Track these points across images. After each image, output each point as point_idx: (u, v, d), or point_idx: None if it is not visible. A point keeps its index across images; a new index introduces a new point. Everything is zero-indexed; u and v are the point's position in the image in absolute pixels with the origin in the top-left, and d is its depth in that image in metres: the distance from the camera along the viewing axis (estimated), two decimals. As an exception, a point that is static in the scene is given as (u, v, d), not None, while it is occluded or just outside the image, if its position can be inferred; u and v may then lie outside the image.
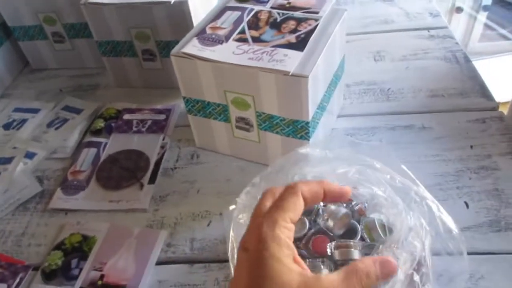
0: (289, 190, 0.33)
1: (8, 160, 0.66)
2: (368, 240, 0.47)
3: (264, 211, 0.33)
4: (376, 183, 0.44)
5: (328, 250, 0.44)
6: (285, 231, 0.31)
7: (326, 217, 0.47)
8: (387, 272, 0.33)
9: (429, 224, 0.41)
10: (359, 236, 0.48)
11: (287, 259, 0.30)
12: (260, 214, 0.33)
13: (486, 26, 1.95)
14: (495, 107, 0.68)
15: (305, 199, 0.33)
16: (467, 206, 0.55)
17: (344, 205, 0.51)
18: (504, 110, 0.68)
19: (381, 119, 0.68)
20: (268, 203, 0.34)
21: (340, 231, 0.47)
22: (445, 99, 0.70)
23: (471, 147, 0.62)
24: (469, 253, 0.50)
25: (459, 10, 1.90)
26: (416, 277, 0.39)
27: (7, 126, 0.74)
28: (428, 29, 0.87)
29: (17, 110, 0.78)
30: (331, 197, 0.35)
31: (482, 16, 1.92)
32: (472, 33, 1.93)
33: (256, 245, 0.30)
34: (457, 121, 0.66)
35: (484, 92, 0.71)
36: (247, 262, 0.30)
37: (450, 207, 0.54)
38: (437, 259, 0.41)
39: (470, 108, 0.68)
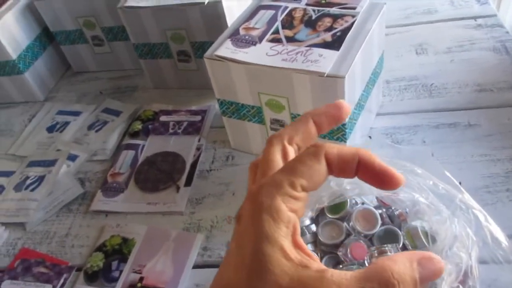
0: (310, 150, 0.24)
1: (52, 163, 0.69)
2: (410, 248, 0.45)
3: (271, 168, 0.25)
4: (417, 189, 0.42)
5: (366, 261, 0.43)
6: (290, 201, 0.23)
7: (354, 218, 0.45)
8: (431, 274, 0.23)
9: (476, 234, 0.38)
10: (401, 243, 0.46)
11: (282, 241, 0.22)
12: (265, 172, 0.25)
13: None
14: (550, 101, 0.63)
15: (330, 167, 0.24)
16: (519, 210, 0.51)
17: (384, 209, 0.49)
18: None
19: (424, 116, 0.65)
20: (278, 156, 0.26)
21: (369, 231, 0.45)
22: (494, 94, 0.66)
23: (523, 145, 0.58)
24: (520, 262, 0.47)
25: (509, -7, 1.79)
26: (462, 291, 0.36)
27: (51, 129, 0.77)
28: (475, 18, 0.82)
29: (60, 113, 0.81)
30: (368, 174, 0.24)
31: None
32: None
33: (248, 216, 0.23)
34: (507, 118, 0.62)
35: (538, 85, 0.66)
36: (237, 237, 0.23)
37: (499, 211, 0.52)
38: (484, 269, 0.38)
39: (522, 103, 0.64)
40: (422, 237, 0.44)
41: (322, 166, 0.24)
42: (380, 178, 0.24)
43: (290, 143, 0.26)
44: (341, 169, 0.24)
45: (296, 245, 0.23)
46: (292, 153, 0.26)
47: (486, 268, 0.38)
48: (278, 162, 0.26)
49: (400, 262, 0.22)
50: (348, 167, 0.24)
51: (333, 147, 0.24)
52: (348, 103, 0.28)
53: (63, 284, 0.54)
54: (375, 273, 0.21)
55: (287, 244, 0.22)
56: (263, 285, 0.21)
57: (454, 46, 0.76)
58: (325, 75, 0.48)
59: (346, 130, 0.53)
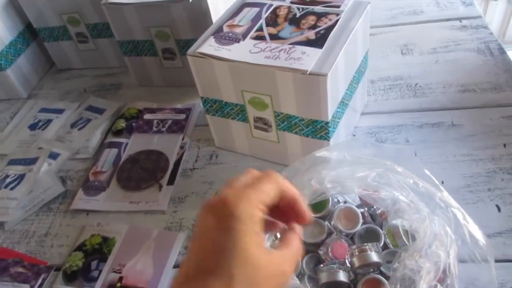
0: (268, 175, 0.32)
1: (33, 161, 0.67)
2: (391, 246, 0.45)
3: (240, 185, 0.32)
4: (398, 188, 0.42)
5: (347, 260, 0.43)
6: (259, 213, 0.30)
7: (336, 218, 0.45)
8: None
9: (455, 232, 0.38)
10: (382, 242, 0.46)
11: (258, 237, 0.29)
12: (236, 186, 0.31)
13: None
14: (532, 102, 0.64)
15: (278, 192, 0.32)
16: (499, 209, 0.52)
17: (366, 208, 0.49)
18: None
19: (408, 116, 0.65)
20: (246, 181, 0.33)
21: (351, 230, 0.45)
22: (477, 94, 0.67)
23: (505, 145, 0.58)
24: (500, 261, 0.47)
25: (496, -4, 1.81)
26: (441, 289, 0.36)
27: (33, 127, 0.76)
28: (460, 19, 0.82)
29: (43, 110, 0.79)
30: (286, 208, 0.34)
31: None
32: (511, 20, 1.83)
33: (227, 216, 0.29)
34: (489, 118, 0.62)
35: (520, 86, 0.67)
36: (215, 228, 0.29)
37: (480, 210, 0.52)
38: (463, 268, 0.38)
39: (504, 103, 0.64)
40: (403, 235, 0.44)
41: (276, 190, 0.32)
42: (294, 216, 0.34)
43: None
44: (277, 197, 0.32)
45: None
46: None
47: (466, 268, 0.38)
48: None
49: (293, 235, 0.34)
50: (281, 197, 0.33)
51: (281, 179, 0.33)
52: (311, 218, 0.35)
53: (41, 284, 0.53)
54: (289, 244, 0.33)
55: (261, 239, 0.30)
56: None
57: (439, 46, 0.77)
58: (308, 72, 0.47)
59: (329, 129, 0.52)
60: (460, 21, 0.81)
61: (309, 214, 0.34)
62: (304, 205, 0.34)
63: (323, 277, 0.43)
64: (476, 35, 0.78)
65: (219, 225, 0.29)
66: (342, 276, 0.42)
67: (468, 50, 0.75)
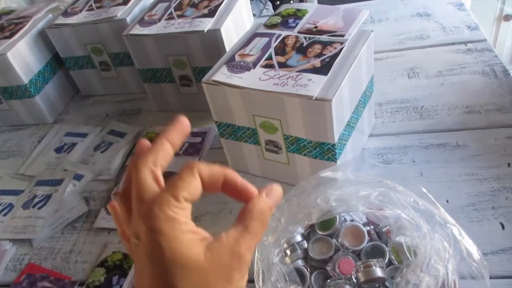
0: (186, 168, 0.29)
1: (59, 182, 0.72)
2: (396, 262, 0.47)
3: (150, 189, 0.29)
4: (400, 206, 0.44)
5: (353, 276, 0.45)
6: (179, 212, 0.27)
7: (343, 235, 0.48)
8: (277, 198, 0.32)
9: (454, 248, 0.40)
10: (387, 258, 0.48)
11: (185, 235, 0.27)
12: (142, 196, 0.29)
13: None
14: (536, 122, 0.66)
15: (203, 182, 0.30)
16: (503, 227, 0.53)
17: (373, 226, 0.51)
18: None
19: (414, 137, 0.67)
20: (150, 179, 0.29)
21: (357, 247, 0.48)
22: (481, 115, 0.69)
23: (509, 165, 0.60)
24: (504, 277, 0.49)
25: (508, 17, 1.83)
26: (440, 302, 0.38)
27: (59, 150, 0.81)
28: (466, 42, 0.85)
29: (68, 134, 0.84)
30: (230, 190, 0.31)
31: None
32: (523, 40, 1.84)
33: (147, 232, 0.27)
34: (494, 138, 0.64)
35: (524, 107, 0.68)
36: (142, 252, 0.28)
37: (485, 228, 0.54)
38: (463, 283, 0.40)
39: (508, 124, 0.66)
40: (406, 252, 0.46)
41: (196, 181, 0.29)
42: (240, 193, 0.31)
43: (155, 166, 0.30)
44: (210, 184, 0.30)
45: (195, 233, 0.28)
46: (160, 174, 0.30)
47: (465, 283, 0.40)
48: (152, 184, 0.29)
49: (258, 202, 0.30)
50: (215, 183, 0.30)
51: (204, 167, 0.30)
52: (186, 120, 0.33)
53: (66, 298, 0.56)
54: (249, 217, 0.30)
55: (188, 235, 0.28)
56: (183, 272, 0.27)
57: (445, 70, 0.79)
58: (313, 98, 0.51)
59: (336, 151, 0.55)
60: (465, 45, 0.84)
61: (250, 186, 0.31)
62: (238, 179, 0.31)
63: (330, 292, 0.45)
64: (481, 58, 0.80)
65: (144, 247, 0.27)
66: (348, 291, 0.45)
67: (473, 72, 0.77)
